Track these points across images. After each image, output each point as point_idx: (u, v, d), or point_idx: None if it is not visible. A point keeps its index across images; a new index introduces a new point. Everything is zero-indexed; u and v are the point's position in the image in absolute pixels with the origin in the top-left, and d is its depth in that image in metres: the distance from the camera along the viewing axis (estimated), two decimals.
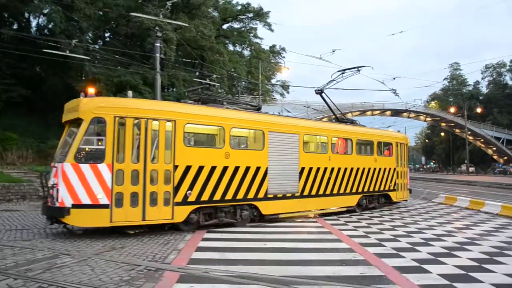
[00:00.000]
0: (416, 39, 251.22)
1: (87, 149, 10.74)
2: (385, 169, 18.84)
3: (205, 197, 12.18)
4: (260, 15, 42.89)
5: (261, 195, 13.58)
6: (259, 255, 9.19)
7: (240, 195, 13.01)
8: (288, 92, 47.51)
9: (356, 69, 18.19)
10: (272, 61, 47.08)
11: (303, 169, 15.01)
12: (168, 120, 11.44)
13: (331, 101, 18.84)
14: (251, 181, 13.31)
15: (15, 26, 36.73)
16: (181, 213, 11.66)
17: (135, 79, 30.15)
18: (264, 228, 12.98)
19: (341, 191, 16.58)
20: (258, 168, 13.52)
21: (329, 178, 15.98)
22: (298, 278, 7.32)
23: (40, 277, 6.89)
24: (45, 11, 33.02)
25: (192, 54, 34.15)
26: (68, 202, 10.09)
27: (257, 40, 44.87)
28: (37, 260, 8.08)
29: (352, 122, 19.60)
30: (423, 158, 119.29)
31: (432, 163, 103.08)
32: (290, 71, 40.26)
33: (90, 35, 35.11)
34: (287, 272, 7.70)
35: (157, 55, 22.27)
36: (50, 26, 34.19)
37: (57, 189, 10.19)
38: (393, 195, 19.56)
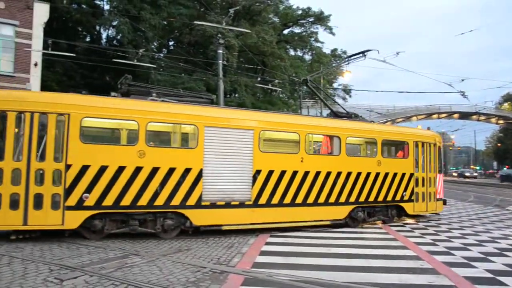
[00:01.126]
0: (483, 38, 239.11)
1: None
2: (395, 174, 15.08)
3: (108, 201, 10.47)
4: (320, 19, 42.59)
5: (191, 202, 11.37)
6: (323, 261, 9.09)
7: (159, 201, 11.01)
8: (350, 96, 46.86)
9: (361, 54, 16.28)
10: (334, 65, 46.60)
11: (258, 172, 12.39)
12: (60, 114, 10.12)
13: (324, 92, 17.48)
14: (176, 185, 11.21)
15: (87, 39, 38.89)
16: (74, 219, 10.10)
17: (199, 86, 30.94)
18: (328, 234, 12.82)
19: (321, 200, 13.39)
20: (187, 170, 11.36)
21: (300, 185, 13.04)
22: (363, 285, 7.17)
23: (113, 275, 7.23)
24: (114, 23, 34.73)
25: (254, 60, 34.55)
26: None
27: (318, 44, 44.65)
28: (109, 259, 8.50)
29: (352, 117, 16.16)
30: (495, 163, 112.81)
31: (505, 168, 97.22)
32: (352, 75, 39.54)
33: (155, 44, 36.45)
34: (352, 278, 7.56)
35: (220, 61, 22.71)
36: (118, 37, 35.93)
37: None
38: (409, 207, 15.48)
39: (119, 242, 10.36)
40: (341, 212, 13.93)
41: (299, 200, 13.03)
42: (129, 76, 12.75)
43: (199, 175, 11.49)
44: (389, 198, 14.99)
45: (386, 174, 14.86)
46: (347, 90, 45.95)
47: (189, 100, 13.09)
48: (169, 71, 31.41)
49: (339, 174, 13.80)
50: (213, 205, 11.70)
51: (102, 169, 10.39)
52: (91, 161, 10.28)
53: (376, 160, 14.81)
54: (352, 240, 11.77)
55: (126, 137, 12.16)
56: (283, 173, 12.80)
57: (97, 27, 38.05)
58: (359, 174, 14.20)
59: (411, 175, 15.58)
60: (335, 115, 16.22)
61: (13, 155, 9.69)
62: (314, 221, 13.39)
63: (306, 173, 13.18)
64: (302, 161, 13.16)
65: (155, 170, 10.95)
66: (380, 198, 14.74)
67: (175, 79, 30.84)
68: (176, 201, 11.21)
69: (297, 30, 45.23)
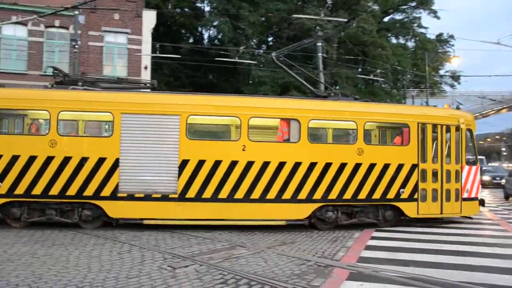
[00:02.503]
0: None
1: None
2: (386, 165, 11.93)
3: (20, 190, 10.52)
4: (423, 2, 40.34)
5: (106, 193, 10.80)
6: (433, 257, 8.59)
7: (71, 192, 10.68)
8: (459, 83, 43.78)
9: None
10: (440, 50, 43.82)
11: (186, 162, 11.08)
12: None
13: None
14: (89, 175, 10.75)
15: (190, 40, 40.83)
16: None
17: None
18: (438, 229, 12.09)
19: (271, 196, 11.34)
20: (102, 160, 10.80)
21: (242, 177, 11.27)
22: (478, 286, 6.64)
23: (221, 265, 7.52)
24: (215, 23, 36.04)
25: (354, 51, 33.74)
26: None
27: (422, 30, 42.31)
28: (217, 250, 8.85)
29: (330, 96, 13.34)
30: None
31: None
32: (461, 60, 36.71)
33: (255, 41, 37.21)
34: (464, 278, 7.04)
35: (320, 54, 22.46)
36: (219, 36, 37.24)
37: None
38: (409, 208, 12.13)
39: (226, 234, 10.74)
40: (301, 211, 11.57)
41: (239, 195, 11.24)
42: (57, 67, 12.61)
43: (115, 165, 10.85)
44: (377, 195, 11.86)
45: (372, 166, 11.82)
46: (455, 77, 42.93)
47: (127, 87, 12.77)
48: (268, 67, 31.86)
49: (297, 165, 11.48)
50: (131, 197, 10.93)
51: (14, 158, 10.52)
52: (4, 151, 10.51)
53: (355, 148, 11.82)
54: (466, 237, 10.95)
55: (38, 127, 11.95)
56: (218, 163, 11.20)
57: (199, 28, 39.76)
58: (328, 165, 11.60)
59: (414, 166, 12.15)
60: (316, 96, 13.75)
61: None
62: (262, 220, 11.48)
63: (250, 164, 11.29)
64: (244, 150, 11.32)
65: (67, 160, 10.69)
66: (362, 196, 11.76)
67: (275, 74, 31.19)
68: (89, 191, 10.77)
69: (398, 16, 43.38)
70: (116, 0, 24.44)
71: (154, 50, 26.14)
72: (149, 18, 26.20)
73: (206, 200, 11.11)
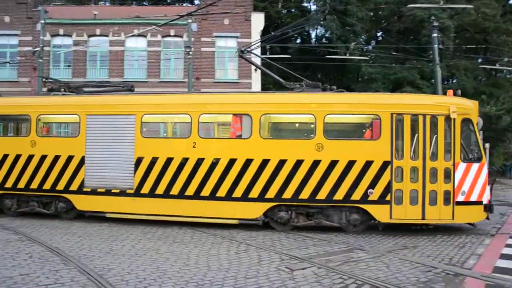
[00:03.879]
0: None
1: None
2: (351, 162, 10.53)
3: (8, 184, 12.28)
4: None
5: (74, 187, 11.85)
6: None
7: (46, 186, 12.01)
8: None
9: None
10: None
11: (140, 159, 11.43)
12: None
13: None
14: (60, 171, 11.94)
15: (298, 41, 40.84)
16: None
17: (412, 74, 29.40)
18: None
19: (221, 194, 10.98)
20: (70, 157, 11.90)
21: (192, 174, 11.11)
22: None
23: (340, 269, 7.20)
24: (322, 22, 35.58)
25: (474, 40, 31.12)
26: None
27: None
28: (334, 252, 8.55)
29: (295, 88, 11.88)
30: None
31: None
32: None
33: (364, 37, 36.09)
34: None
35: (435, 46, 20.97)
36: (327, 34, 36.75)
37: None
38: (379, 211, 10.53)
39: (341, 236, 10.36)
40: (252, 210, 10.91)
41: (190, 192, 11.14)
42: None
43: (81, 162, 11.83)
44: (339, 196, 10.55)
45: (333, 163, 10.56)
46: None
47: (106, 90, 13.71)
48: (380, 62, 30.66)
49: (248, 162, 10.89)
50: (94, 192, 11.75)
51: (5, 157, 12.30)
52: None
53: (313, 143, 10.66)
54: None
55: (22, 129, 13.44)
56: (169, 160, 11.31)
57: (306, 28, 39.59)
58: (282, 162, 10.74)
59: (386, 163, 10.46)
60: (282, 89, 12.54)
61: None
62: (213, 218, 11.11)
63: (200, 161, 11.12)
64: (194, 147, 11.20)
65: (43, 158, 12.06)
66: (321, 196, 10.59)
67: (386, 70, 29.94)
68: (61, 186, 11.94)
69: None
70: (226, 6, 25.17)
71: (263, 52, 26.49)
72: (258, 21, 26.66)
73: (158, 196, 11.36)
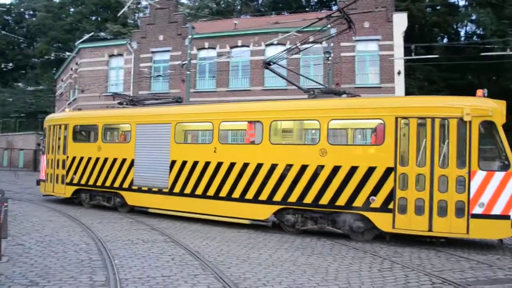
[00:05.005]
0: None
1: None
2: (353, 168, 10.23)
3: (83, 181, 15.15)
4: None
5: (126, 185, 14.03)
6: None
7: (107, 183, 14.52)
8: None
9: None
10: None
11: (174, 162, 13.00)
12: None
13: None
14: (117, 171, 14.24)
15: (444, 40, 37.81)
16: (69, 191, 15.64)
17: None
18: None
19: (235, 195, 11.79)
20: (124, 160, 14.09)
21: (213, 176, 12.18)
22: None
23: None
24: (472, 18, 32.44)
25: None
26: None
27: None
28: (499, 280, 7.21)
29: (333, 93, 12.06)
30: None
31: None
32: None
33: None
34: None
35: None
36: (478, 31, 33.33)
37: None
38: (381, 220, 9.90)
39: (507, 259, 8.87)
40: (262, 212, 11.44)
41: (210, 192, 12.25)
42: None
43: (131, 164, 13.92)
44: (341, 202, 10.36)
45: (336, 168, 10.44)
46: None
47: (160, 102, 15.79)
48: None
49: (259, 166, 11.46)
50: (140, 190, 13.73)
51: (81, 159, 15.25)
52: (77, 154, 15.46)
53: (318, 148, 10.72)
54: None
55: (91, 136, 16.24)
56: (195, 163, 12.57)
57: (454, 26, 36.46)
58: (289, 166, 11.03)
59: (389, 170, 9.87)
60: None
61: None
62: (230, 217, 11.91)
63: (219, 164, 12.12)
64: (215, 152, 12.24)
65: (105, 160, 14.55)
66: (324, 201, 10.55)
67: None
68: (117, 184, 14.29)
69: None
70: (366, 8, 24.21)
71: (405, 54, 24.87)
72: (400, 21, 25.10)
73: (186, 195, 12.70)
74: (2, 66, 37.30)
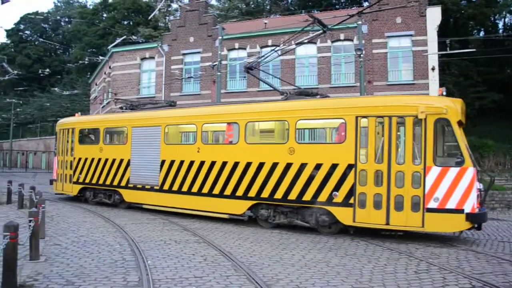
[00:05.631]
0: None
1: None
2: (318, 165, 10.95)
3: (87, 180, 16.73)
4: None
5: (123, 183, 15.38)
6: None
7: (108, 182, 15.94)
8: None
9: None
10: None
11: (163, 162, 14.21)
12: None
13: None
14: (116, 170, 15.65)
15: (481, 33, 36.64)
16: (75, 189, 17.16)
17: None
18: None
19: (216, 191, 12.83)
20: (122, 160, 15.49)
21: (196, 174, 13.30)
22: None
23: None
24: None
25: None
26: None
27: None
28: None
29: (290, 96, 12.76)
30: None
31: None
32: None
33: None
34: None
35: None
36: None
37: None
38: (342, 214, 10.56)
39: None
40: (238, 207, 12.37)
41: (194, 189, 13.30)
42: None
43: (128, 164, 15.28)
44: (307, 197, 11.10)
45: (303, 165, 11.19)
46: None
47: (155, 107, 17.07)
48: None
49: (236, 164, 12.43)
50: (135, 187, 15.01)
51: (85, 160, 16.90)
52: (82, 155, 17.18)
53: (287, 147, 11.48)
54: None
55: (94, 138, 17.47)
56: (182, 163, 13.68)
57: (491, 18, 35.25)
58: (261, 164, 11.90)
59: (350, 167, 10.49)
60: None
61: None
62: (211, 212, 12.98)
63: (202, 163, 13.19)
64: (198, 151, 13.31)
65: (106, 160, 16.03)
66: (292, 197, 11.33)
67: None
68: (115, 182, 15.64)
69: None
70: (398, 3, 23.68)
71: (440, 49, 24.19)
72: (434, 15, 24.37)
73: (174, 192, 13.82)
74: (39, 72, 38.31)
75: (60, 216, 13.49)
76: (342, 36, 26.35)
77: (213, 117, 13.67)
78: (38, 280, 6.54)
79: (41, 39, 60.57)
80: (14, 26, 70.81)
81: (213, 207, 12.89)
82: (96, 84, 42.17)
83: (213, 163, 12.95)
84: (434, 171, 9.73)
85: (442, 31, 26.15)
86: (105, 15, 60.39)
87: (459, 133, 9.86)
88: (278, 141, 12.39)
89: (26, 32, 71.41)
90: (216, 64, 23.81)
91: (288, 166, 11.41)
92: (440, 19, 24.43)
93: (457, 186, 9.60)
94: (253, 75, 14.96)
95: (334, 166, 10.72)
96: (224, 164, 12.69)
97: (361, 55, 20.95)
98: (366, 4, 38.39)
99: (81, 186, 17.07)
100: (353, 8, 35.12)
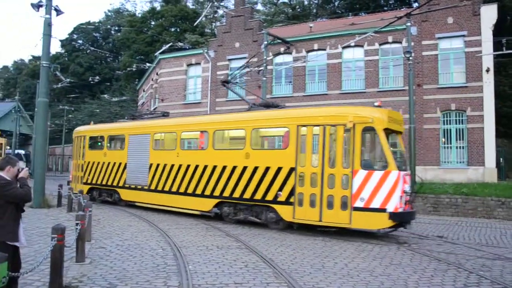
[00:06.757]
0: None
1: None
2: (267, 168, 12.41)
3: (94, 181, 18.98)
4: None
5: (121, 184, 17.51)
6: None
7: (109, 182, 18.10)
8: None
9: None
10: None
11: (151, 165, 16.16)
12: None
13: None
14: (115, 173, 17.76)
15: None
16: (85, 189, 18.66)
17: None
18: None
19: (190, 191, 14.66)
20: (120, 163, 17.58)
21: (175, 176, 15.21)
22: None
23: None
24: None
25: None
26: None
27: None
28: None
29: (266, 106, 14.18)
30: None
31: None
32: None
33: None
34: None
35: None
36: None
37: None
38: (284, 211, 11.99)
39: None
40: (206, 205, 14.15)
41: (174, 189, 15.19)
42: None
43: (125, 167, 17.32)
44: (258, 196, 12.68)
45: (255, 169, 12.78)
46: None
47: (150, 117, 19.06)
48: None
49: (205, 167, 14.21)
50: (130, 187, 17.11)
51: (92, 164, 19.24)
52: (90, 159, 19.60)
53: (244, 152, 13.15)
54: None
55: (98, 146, 20.04)
56: (165, 166, 15.60)
57: None
58: (224, 167, 13.65)
59: (292, 170, 11.90)
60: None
61: None
62: (186, 209, 14.76)
63: (180, 166, 15.06)
64: (177, 156, 15.23)
65: (108, 164, 18.18)
66: (247, 195, 12.97)
67: None
68: (115, 183, 17.78)
69: None
70: (449, 3, 22.80)
71: (495, 49, 23.00)
72: (489, 14, 23.26)
73: (159, 191, 15.71)
74: (90, 79, 39.80)
75: (106, 220, 13.84)
76: (390, 39, 25.71)
77: (190, 126, 15.78)
78: (82, 281, 6.66)
79: (92, 48, 62.92)
80: (68, 36, 73.94)
81: (188, 205, 14.72)
82: (143, 90, 43.30)
83: (188, 166, 14.79)
84: (361, 174, 10.85)
85: (498, 30, 24.86)
86: (153, 22, 61.91)
87: (384, 140, 10.92)
88: (237, 147, 13.67)
89: (79, 41, 74.38)
90: (261, 69, 23.82)
91: (244, 169, 13.03)
92: (495, 18, 23.34)
93: (381, 188, 10.61)
94: (228, 88, 17.16)
95: (279, 169, 12.18)
96: (196, 167, 14.51)
97: (410, 58, 20.32)
98: (416, 4, 37.33)
99: (89, 186, 19.18)
100: (402, 9, 34.23)
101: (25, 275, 5.65)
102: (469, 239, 11.82)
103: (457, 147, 23.84)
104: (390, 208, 10.45)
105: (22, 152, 44.65)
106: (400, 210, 10.55)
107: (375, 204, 10.58)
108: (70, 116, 56.37)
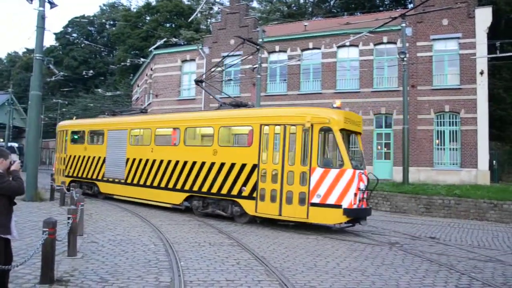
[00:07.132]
0: None
1: None
2: (233, 164, 13.06)
3: (74, 174, 19.63)
4: None
5: (100, 177, 18.12)
6: None
7: (89, 175, 18.78)
8: None
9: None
10: None
11: (128, 159, 16.79)
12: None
13: None
14: (95, 166, 18.46)
15: None
16: (67, 181, 18.96)
17: None
18: None
19: (162, 185, 15.28)
20: (99, 158, 18.23)
21: (150, 170, 15.78)
22: None
23: None
24: None
25: None
26: None
27: None
28: None
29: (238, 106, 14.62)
30: None
31: None
32: None
33: None
34: None
35: None
36: None
37: None
38: (248, 205, 12.64)
39: None
40: (177, 198, 14.71)
41: (148, 182, 15.78)
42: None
43: (104, 161, 17.96)
44: (224, 191, 13.31)
45: (222, 165, 13.39)
46: None
47: (128, 113, 20.11)
48: None
49: (177, 162, 14.76)
50: (108, 180, 17.75)
51: (73, 157, 19.93)
52: (73, 153, 20.15)
53: (212, 149, 13.78)
54: None
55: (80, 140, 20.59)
56: (140, 160, 16.24)
57: None
58: (194, 163, 14.20)
59: (255, 166, 12.55)
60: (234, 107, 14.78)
61: None
62: (159, 202, 15.34)
63: (154, 161, 15.64)
64: (152, 151, 15.83)
65: (89, 158, 18.84)
66: (214, 190, 13.60)
67: None
68: (94, 176, 18.47)
69: None
70: (444, 4, 22.90)
71: (489, 52, 23.14)
72: (484, 17, 23.39)
73: (134, 185, 16.33)
74: (84, 73, 39.54)
75: (98, 214, 13.78)
76: (385, 39, 25.80)
77: (164, 123, 16.42)
78: (74, 276, 6.61)
79: (86, 42, 62.48)
80: (62, 29, 73.45)
81: (160, 198, 15.28)
82: (137, 86, 43.12)
83: (161, 161, 15.37)
84: (318, 171, 11.39)
85: (493, 32, 25.04)
86: (148, 18, 61.65)
87: (340, 139, 11.41)
88: (206, 144, 14.33)
89: (73, 35, 73.83)
90: (256, 67, 23.79)
91: (212, 165, 13.59)
92: (490, 21, 23.50)
93: (336, 185, 11.17)
94: (202, 88, 17.56)
95: (243, 166, 12.74)
96: (169, 162, 15.08)
97: (405, 59, 20.43)
98: (411, 5, 37.47)
99: (70, 179, 19.58)
100: (397, 10, 34.35)
101: (16, 268, 5.59)
102: (461, 241, 11.87)
103: (450, 149, 23.98)
104: (345, 204, 11.07)
105: (15, 145, 44.32)
106: (354, 206, 11.20)
107: (331, 200, 11.16)
108: (64, 109, 55.97)
